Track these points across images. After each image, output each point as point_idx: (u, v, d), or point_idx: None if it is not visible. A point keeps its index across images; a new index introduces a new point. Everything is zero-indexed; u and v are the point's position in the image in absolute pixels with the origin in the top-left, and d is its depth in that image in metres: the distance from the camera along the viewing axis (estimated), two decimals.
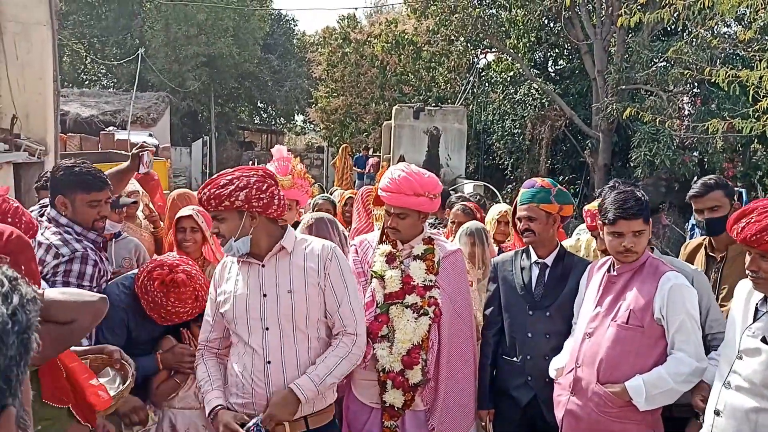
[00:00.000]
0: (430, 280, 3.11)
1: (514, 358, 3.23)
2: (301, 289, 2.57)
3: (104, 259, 2.96)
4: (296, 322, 2.57)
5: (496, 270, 3.40)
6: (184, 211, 3.73)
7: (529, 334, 3.19)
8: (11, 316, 0.82)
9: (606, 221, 2.82)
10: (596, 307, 2.88)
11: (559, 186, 3.30)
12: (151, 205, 4.89)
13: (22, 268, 2.00)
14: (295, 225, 4.23)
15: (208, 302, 2.78)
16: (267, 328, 2.57)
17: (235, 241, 2.54)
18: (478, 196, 6.61)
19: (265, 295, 2.58)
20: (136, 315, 2.92)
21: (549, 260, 3.24)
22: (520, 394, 3.20)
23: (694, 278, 2.93)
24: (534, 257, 3.27)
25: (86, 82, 31.34)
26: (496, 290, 3.36)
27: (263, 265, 2.62)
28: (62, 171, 2.80)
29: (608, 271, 2.92)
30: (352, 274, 2.81)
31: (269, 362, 2.55)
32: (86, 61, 31.29)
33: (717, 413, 2.49)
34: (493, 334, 3.35)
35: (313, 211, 4.65)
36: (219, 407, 2.59)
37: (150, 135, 19.36)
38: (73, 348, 2.44)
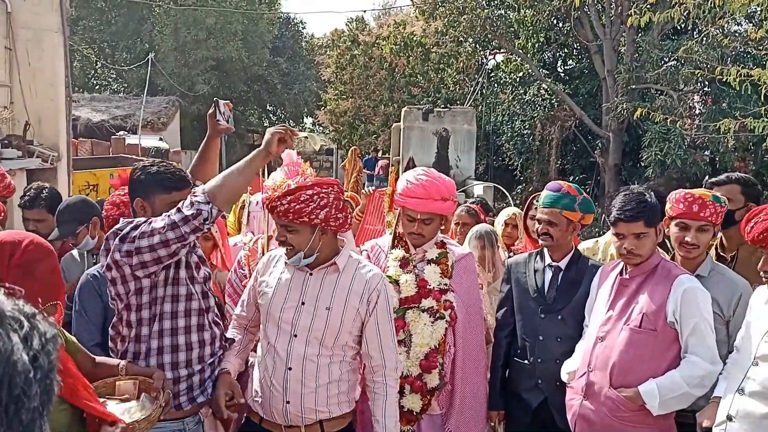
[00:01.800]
0: (445, 284, 3.11)
1: (525, 361, 3.23)
2: (339, 310, 2.58)
3: None
4: (325, 339, 2.57)
5: (510, 271, 3.40)
6: None
7: (541, 337, 3.18)
8: (33, 362, 0.76)
9: (610, 223, 2.84)
10: (608, 310, 2.87)
11: (584, 194, 3.26)
12: None
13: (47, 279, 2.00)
14: None
15: (251, 281, 2.84)
16: (295, 335, 2.58)
17: (305, 257, 2.56)
18: (477, 198, 6.59)
19: (303, 304, 2.59)
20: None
21: (563, 264, 3.23)
22: (530, 396, 3.20)
23: (742, 293, 2.87)
24: (548, 260, 3.26)
25: (96, 87, 31.56)
26: (509, 291, 3.36)
27: (311, 274, 2.62)
28: (140, 172, 2.59)
29: (620, 274, 2.91)
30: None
31: (290, 369, 2.56)
32: (96, 66, 31.52)
33: (729, 418, 2.48)
34: (505, 336, 3.35)
35: None
36: (223, 370, 2.65)
37: (160, 139, 19.48)
38: (129, 366, 2.47)
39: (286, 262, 2.68)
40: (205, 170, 2.94)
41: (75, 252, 3.64)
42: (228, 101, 3.02)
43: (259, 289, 2.74)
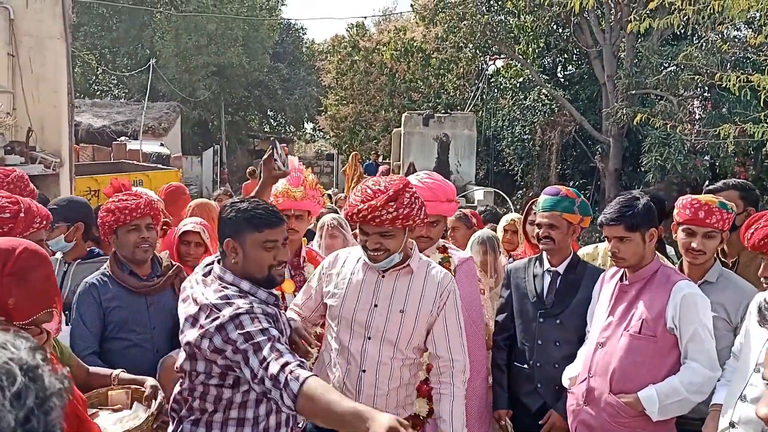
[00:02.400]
0: None
1: (525, 365, 3.26)
2: (413, 312, 2.59)
3: (280, 316, 2.36)
4: (399, 341, 2.59)
5: (510, 276, 3.43)
6: (188, 226, 3.75)
7: (539, 342, 3.20)
8: (23, 424, 0.65)
9: (598, 225, 2.90)
10: (608, 316, 2.89)
11: (582, 197, 3.29)
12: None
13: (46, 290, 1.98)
14: (308, 234, 4.28)
15: (314, 280, 2.83)
16: (369, 338, 2.59)
17: (398, 255, 2.57)
18: (486, 207, 6.62)
19: (376, 306, 2.59)
20: (112, 289, 3.05)
21: (561, 268, 3.25)
22: (530, 400, 3.23)
23: (750, 299, 2.81)
24: (546, 265, 3.29)
25: (98, 93, 31.62)
26: (509, 297, 3.38)
27: (383, 276, 2.62)
28: (229, 209, 2.35)
29: (620, 280, 2.93)
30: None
31: (364, 371, 2.58)
32: (98, 72, 31.59)
33: (732, 425, 2.48)
34: (504, 339, 3.38)
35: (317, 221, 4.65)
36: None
37: (162, 144, 19.52)
38: (122, 375, 2.46)
39: (365, 262, 2.63)
40: None
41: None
42: (284, 144, 3.00)
43: (326, 289, 2.74)
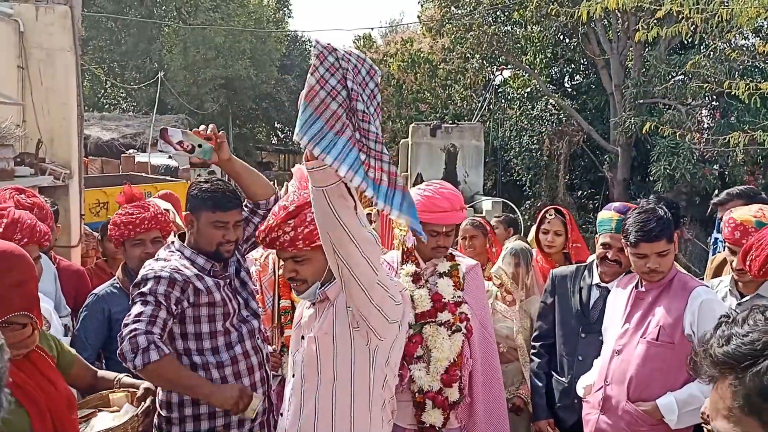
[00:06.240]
0: (459, 296, 3.07)
1: (563, 378, 3.22)
2: (312, 335, 2.22)
3: (221, 286, 2.60)
4: (306, 368, 2.24)
5: (555, 283, 3.36)
6: None
7: (580, 357, 3.17)
8: None
9: (629, 243, 2.79)
10: (625, 323, 2.85)
11: None
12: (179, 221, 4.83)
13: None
14: None
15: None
16: (293, 375, 2.30)
17: (321, 285, 2.17)
18: (502, 216, 6.57)
19: (303, 338, 2.28)
20: (122, 300, 3.08)
21: (612, 285, 3.16)
22: (566, 414, 3.20)
23: None
24: (596, 279, 3.22)
25: (106, 106, 31.83)
26: (552, 304, 3.34)
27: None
28: (194, 187, 2.63)
29: (636, 287, 2.89)
30: None
31: (282, 414, 2.34)
32: (106, 86, 31.82)
33: None
34: (543, 346, 3.35)
35: None
36: None
37: (170, 157, 19.58)
38: (124, 379, 2.48)
39: None
40: (248, 191, 2.75)
41: None
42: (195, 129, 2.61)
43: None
